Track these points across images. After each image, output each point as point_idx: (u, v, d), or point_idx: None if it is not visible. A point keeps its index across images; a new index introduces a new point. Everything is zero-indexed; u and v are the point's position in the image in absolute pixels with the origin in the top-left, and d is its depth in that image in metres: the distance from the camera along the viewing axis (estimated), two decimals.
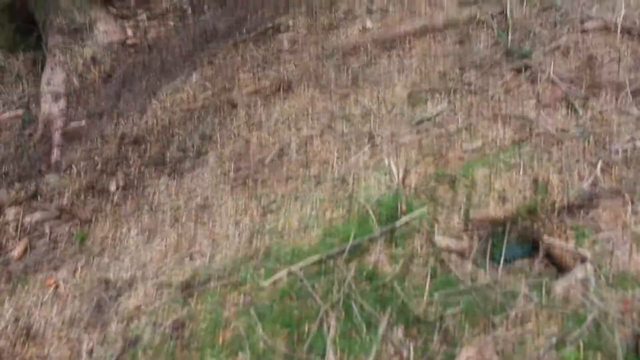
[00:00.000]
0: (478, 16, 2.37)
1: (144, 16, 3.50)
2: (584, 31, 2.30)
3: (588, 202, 1.60)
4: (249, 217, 1.82)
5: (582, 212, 1.58)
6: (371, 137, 1.91)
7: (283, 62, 2.42)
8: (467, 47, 2.25)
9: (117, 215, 2.10)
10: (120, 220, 2.06)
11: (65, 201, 2.25)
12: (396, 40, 2.34)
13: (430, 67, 2.17)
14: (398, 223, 1.56)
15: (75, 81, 3.08)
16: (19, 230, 2.14)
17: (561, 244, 1.49)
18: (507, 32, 2.29)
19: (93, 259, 1.90)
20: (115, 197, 2.20)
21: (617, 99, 1.96)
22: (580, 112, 1.95)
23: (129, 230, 2.00)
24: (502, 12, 2.39)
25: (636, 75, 2.04)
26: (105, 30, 3.29)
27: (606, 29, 2.31)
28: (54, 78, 3.05)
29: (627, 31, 2.28)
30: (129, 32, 3.33)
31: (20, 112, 3.03)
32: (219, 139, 2.15)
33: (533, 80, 2.10)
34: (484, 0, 2.48)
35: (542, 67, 2.14)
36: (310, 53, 2.42)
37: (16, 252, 2.04)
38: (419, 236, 1.55)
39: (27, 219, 2.20)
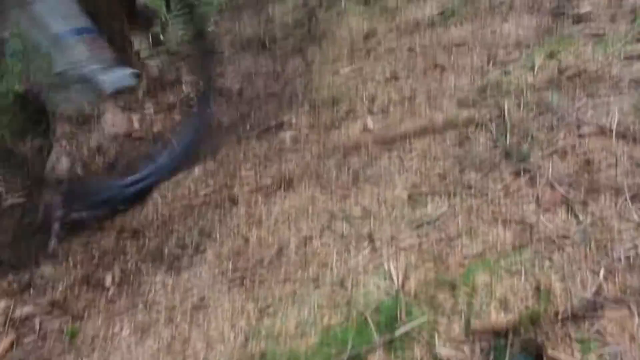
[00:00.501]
0: (477, 118, 2.42)
1: (151, 109, 3.59)
2: (580, 135, 2.33)
3: (592, 311, 1.57)
4: (245, 319, 1.78)
5: (587, 322, 1.54)
6: (371, 239, 1.90)
7: (285, 160, 2.45)
8: (466, 149, 2.28)
9: (110, 311, 2.06)
10: (114, 318, 2.02)
11: (58, 295, 2.21)
12: (397, 141, 2.38)
13: (430, 168, 2.19)
14: (397, 332, 1.52)
15: (79, 170, 3.11)
16: (7, 325, 2.09)
17: (567, 358, 1.45)
18: (506, 135, 2.32)
19: (81, 359, 1.84)
20: (110, 292, 2.16)
21: (616, 204, 1.96)
22: (581, 216, 1.94)
23: (121, 328, 1.95)
24: (500, 115, 2.44)
25: (634, 180, 2.05)
26: (112, 122, 3.36)
27: (602, 133, 2.35)
28: (58, 166, 3.08)
29: (622, 136, 2.32)
30: (136, 124, 3.40)
31: (21, 199, 3.04)
32: (218, 237, 2.14)
33: (532, 183, 2.11)
34: (482, 103, 2.54)
35: (540, 170, 2.15)
36: (312, 151, 2.46)
37: (1, 348, 1.98)
38: (419, 346, 1.51)
39: (17, 313, 2.16)
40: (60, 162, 3.10)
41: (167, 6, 15.01)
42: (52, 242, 2.60)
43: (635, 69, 2.47)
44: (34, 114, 3.44)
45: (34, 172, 3.23)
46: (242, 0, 9.36)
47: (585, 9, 3.33)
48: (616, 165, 2.14)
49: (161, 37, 6.60)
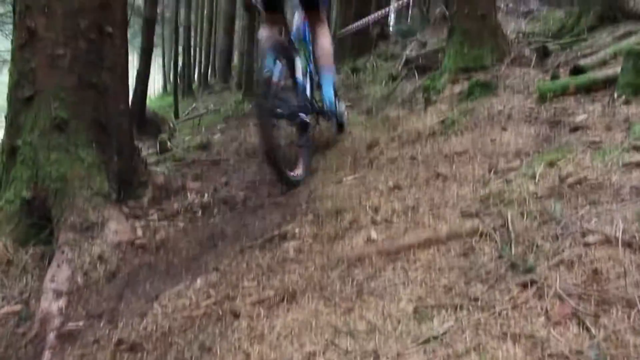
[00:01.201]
0: (480, 228, 2.41)
1: (155, 216, 3.62)
2: (586, 244, 2.31)
3: None
4: None
5: None
6: (376, 355, 1.83)
7: (288, 272, 2.42)
8: (471, 260, 2.25)
9: None
10: None
11: None
12: (401, 252, 2.36)
13: (436, 280, 2.16)
14: None
15: (79, 279, 3.08)
16: None
17: None
18: (510, 245, 2.30)
19: None
20: None
21: (629, 317, 1.90)
22: (593, 330, 1.88)
23: None
24: (504, 225, 2.43)
25: None
26: (116, 229, 3.36)
27: (607, 242, 2.33)
28: (58, 275, 3.05)
29: (627, 245, 2.29)
30: (139, 232, 3.41)
31: (18, 307, 2.98)
32: (218, 351, 2.07)
33: (540, 296, 2.06)
34: (485, 212, 2.54)
35: (547, 281, 2.11)
36: (316, 263, 2.44)
37: None
38: None
39: None
40: (61, 271, 3.08)
41: (176, 113, 15.69)
42: (46, 355, 2.52)
43: (634, 176, 2.49)
44: (39, 220, 3.47)
45: (33, 280, 3.20)
46: (248, 109, 9.68)
47: (580, 117, 3.43)
48: (625, 275, 2.10)
49: (168, 143, 6.79)
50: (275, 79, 3.33)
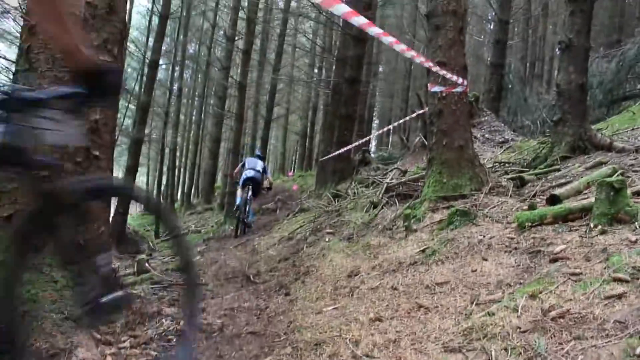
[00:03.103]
0: None
1: (127, 343, 3.45)
2: None
3: None
4: None
5: None
6: None
7: None
8: None
9: None
10: None
11: None
12: None
13: None
14: None
15: None
16: None
17: None
18: None
19: None
20: None
21: None
22: None
23: None
24: None
25: None
26: (84, 356, 3.19)
27: None
28: None
29: None
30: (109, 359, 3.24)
31: None
32: None
33: None
34: (468, 348, 2.47)
35: None
36: None
37: None
38: None
39: None
40: None
41: (156, 232, 15.59)
42: None
43: (617, 309, 2.47)
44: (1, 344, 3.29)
45: None
46: (230, 231, 9.67)
47: (559, 247, 3.46)
48: None
49: (147, 264, 6.66)
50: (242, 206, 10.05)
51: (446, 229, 4.54)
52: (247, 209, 10.04)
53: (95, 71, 1.81)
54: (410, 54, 4.54)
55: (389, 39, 4.04)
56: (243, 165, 10.73)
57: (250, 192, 10.21)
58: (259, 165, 10.61)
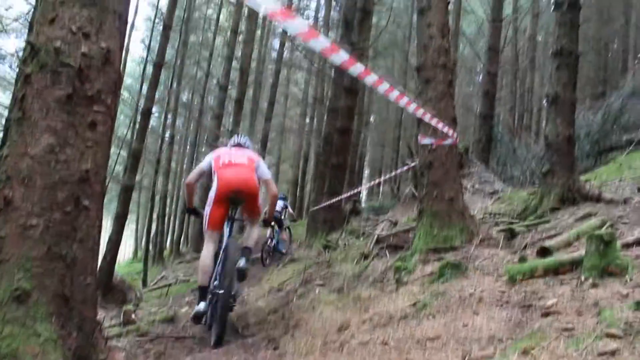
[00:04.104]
0: None
1: None
2: None
3: None
4: None
5: None
6: None
7: None
8: None
9: None
10: None
11: None
12: None
13: None
14: None
15: None
16: None
17: None
18: None
19: None
20: None
21: None
22: None
23: None
24: None
25: None
26: None
27: None
28: None
29: None
30: None
31: None
32: None
33: None
34: None
35: None
36: None
37: None
38: None
39: None
40: None
41: (144, 281, 15.34)
42: None
43: None
44: None
45: None
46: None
47: (550, 301, 3.44)
48: None
49: (133, 315, 6.54)
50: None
51: (437, 282, 4.51)
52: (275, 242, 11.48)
53: None
54: (404, 102, 4.59)
55: (383, 87, 4.09)
56: None
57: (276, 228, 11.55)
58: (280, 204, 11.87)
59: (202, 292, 4.71)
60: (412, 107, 4.96)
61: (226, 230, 4.82)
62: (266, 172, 4.92)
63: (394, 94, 4.26)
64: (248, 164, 4.78)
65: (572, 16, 7.20)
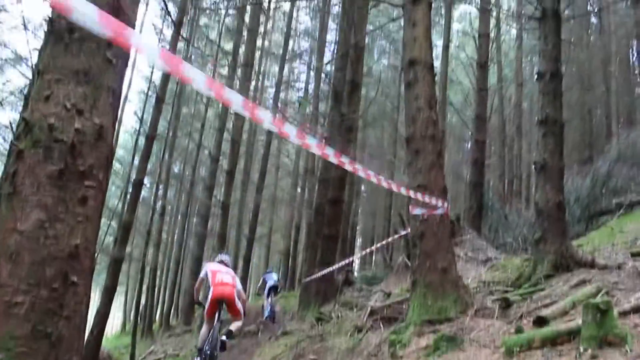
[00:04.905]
0: None
1: None
2: None
3: None
4: None
5: None
6: None
7: None
8: None
9: None
10: None
11: None
12: None
13: None
14: None
15: None
16: None
17: None
18: None
19: None
20: None
21: None
22: None
23: None
24: None
25: None
26: None
27: None
28: None
29: None
30: None
31: None
32: None
33: None
34: None
35: None
36: None
37: None
38: None
39: None
40: None
41: (132, 356, 14.92)
42: None
43: None
44: None
45: None
46: None
47: None
48: None
49: None
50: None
51: (433, 355, 4.41)
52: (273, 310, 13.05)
53: None
54: (386, 184, 4.70)
55: (366, 173, 4.24)
56: (265, 281, 13.84)
57: (273, 296, 13.43)
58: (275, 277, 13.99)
59: (199, 351, 7.11)
60: (402, 190, 5.10)
61: (216, 317, 7.26)
62: (239, 285, 7.54)
63: (383, 182, 4.41)
64: (232, 283, 7.39)
65: (555, 85, 7.42)
